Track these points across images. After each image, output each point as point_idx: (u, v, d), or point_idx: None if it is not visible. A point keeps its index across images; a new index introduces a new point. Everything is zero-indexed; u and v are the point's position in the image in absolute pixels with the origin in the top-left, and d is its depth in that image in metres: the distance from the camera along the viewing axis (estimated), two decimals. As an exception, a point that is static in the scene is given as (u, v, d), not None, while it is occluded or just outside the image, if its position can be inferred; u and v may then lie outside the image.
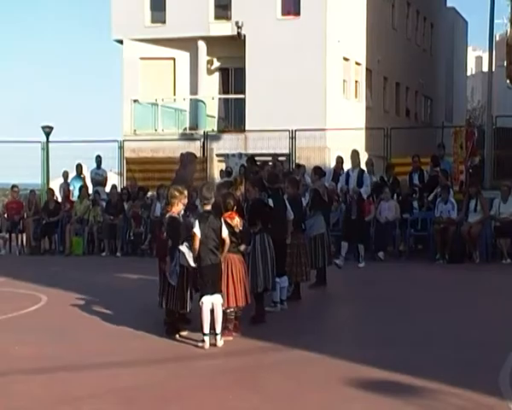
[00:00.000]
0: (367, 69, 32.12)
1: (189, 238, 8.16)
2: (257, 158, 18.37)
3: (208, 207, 8.30)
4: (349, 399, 6.30)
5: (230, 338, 8.34)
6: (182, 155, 10.75)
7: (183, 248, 8.16)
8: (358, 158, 15.58)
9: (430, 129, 35.22)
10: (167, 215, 8.45)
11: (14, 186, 20.08)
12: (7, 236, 19.16)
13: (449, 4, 45.39)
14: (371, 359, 7.38)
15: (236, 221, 8.47)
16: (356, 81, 31.50)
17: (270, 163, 14.93)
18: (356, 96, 31.58)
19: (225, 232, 8.19)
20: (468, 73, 56.29)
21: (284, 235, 9.96)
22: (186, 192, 8.59)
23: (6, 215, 19.21)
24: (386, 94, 34.79)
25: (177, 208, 8.43)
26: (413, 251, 16.78)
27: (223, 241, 8.18)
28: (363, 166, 16.04)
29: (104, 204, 18.88)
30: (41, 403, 6.27)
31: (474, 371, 7.05)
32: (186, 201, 8.46)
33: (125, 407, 6.15)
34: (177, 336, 8.50)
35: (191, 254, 8.11)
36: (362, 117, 30.88)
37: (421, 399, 6.17)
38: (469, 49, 56.13)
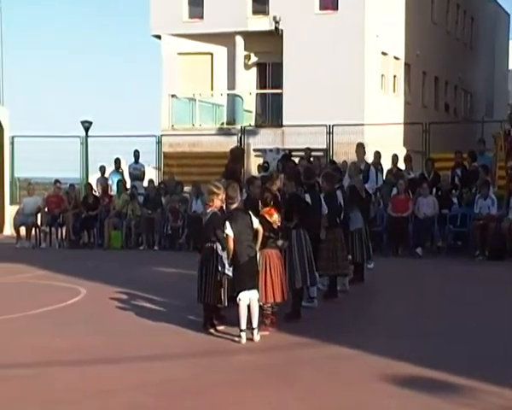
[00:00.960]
0: (405, 64, 31.83)
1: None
2: (294, 153, 18.34)
3: (234, 206, 8.32)
4: (384, 395, 6.25)
5: (267, 333, 8.35)
6: (232, 149, 11.02)
7: (221, 252, 8.17)
8: (364, 152, 15.22)
9: (470, 124, 34.79)
10: (208, 210, 8.51)
11: (56, 181, 20.34)
12: (47, 229, 19.42)
13: (490, -3, 44.73)
14: (406, 355, 7.32)
15: (275, 217, 8.46)
16: (394, 76, 31.25)
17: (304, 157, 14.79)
18: (394, 91, 31.33)
19: (256, 222, 8.19)
20: (510, 67, 55.33)
21: (318, 230, 9.91)
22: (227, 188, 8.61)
23: (46, 209, 19.47)
24: (425, 89, 34.43)
25: (216, 204, 8.47)
26: (452, 247, 16.58)
27: (256, 231, 8.19)
28: (366, 159, 15.62)
29: (142, 198, 19.06)
30: (76, 395, 6.34)
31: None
32: (224, 196, 8.48)
33: (156, 400, 6.19)
34: (214, 330, 8.53)
35: (226, 259, 8.12)
36: (400, 112, 30.63)
37: (459, 397, 6.08)
38: (511, 42, 55.19)
